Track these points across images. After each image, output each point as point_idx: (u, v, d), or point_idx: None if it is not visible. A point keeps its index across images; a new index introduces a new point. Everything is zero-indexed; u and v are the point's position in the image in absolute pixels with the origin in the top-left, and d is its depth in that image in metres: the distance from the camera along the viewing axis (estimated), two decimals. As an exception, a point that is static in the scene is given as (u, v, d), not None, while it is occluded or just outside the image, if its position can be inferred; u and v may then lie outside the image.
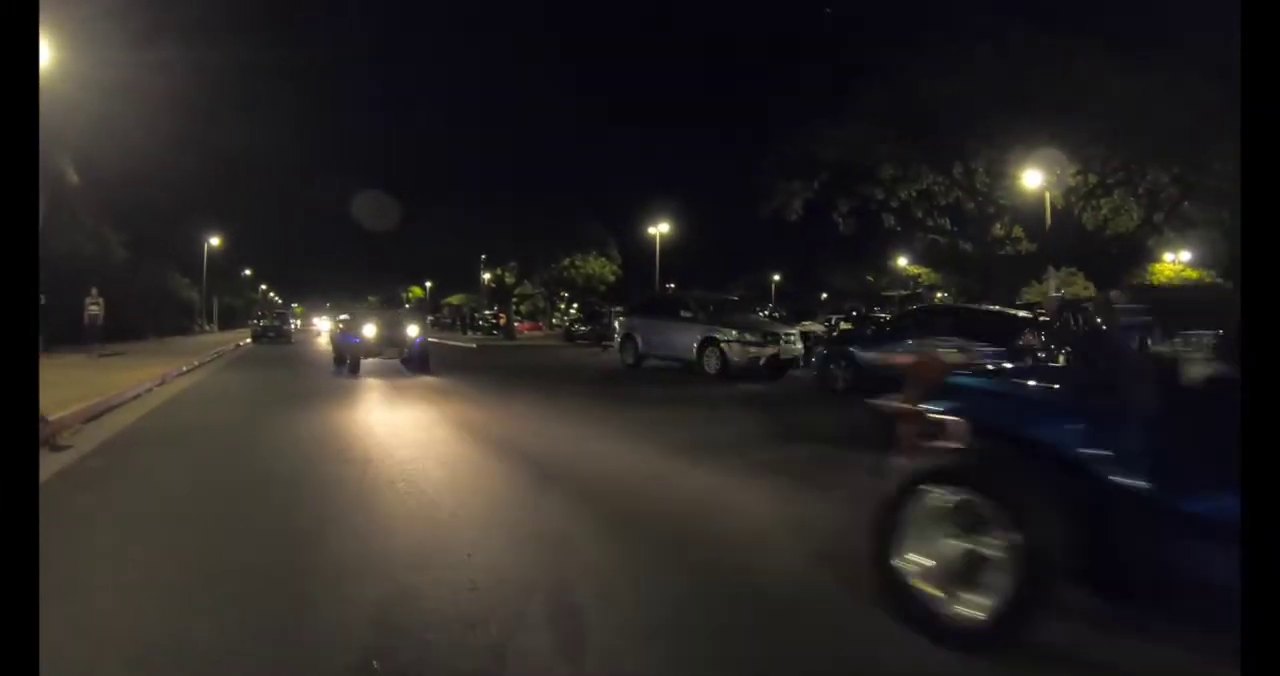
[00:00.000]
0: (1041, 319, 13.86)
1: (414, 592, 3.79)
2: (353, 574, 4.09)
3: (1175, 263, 53.62)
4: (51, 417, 8.25)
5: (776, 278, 75.92)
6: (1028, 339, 12.49)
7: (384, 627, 3.36)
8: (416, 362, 18.54)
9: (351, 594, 3.79)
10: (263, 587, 3.90)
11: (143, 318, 35.76)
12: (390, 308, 28.03)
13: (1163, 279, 53.62)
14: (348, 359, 17.93)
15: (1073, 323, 15.46)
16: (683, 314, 19.08)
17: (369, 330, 17.86)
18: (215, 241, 54.47)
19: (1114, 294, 11.63)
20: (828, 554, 4.52)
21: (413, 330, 18.54)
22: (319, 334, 49.58)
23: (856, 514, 4.01)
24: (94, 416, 9.89)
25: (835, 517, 5.30)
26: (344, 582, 3.96)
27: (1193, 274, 54.08)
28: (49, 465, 6.71)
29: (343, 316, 22.99)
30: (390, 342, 18.15)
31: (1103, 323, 15.41)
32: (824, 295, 72.23)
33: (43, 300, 15.72)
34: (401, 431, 9.44)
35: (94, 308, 21.72)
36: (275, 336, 39.25)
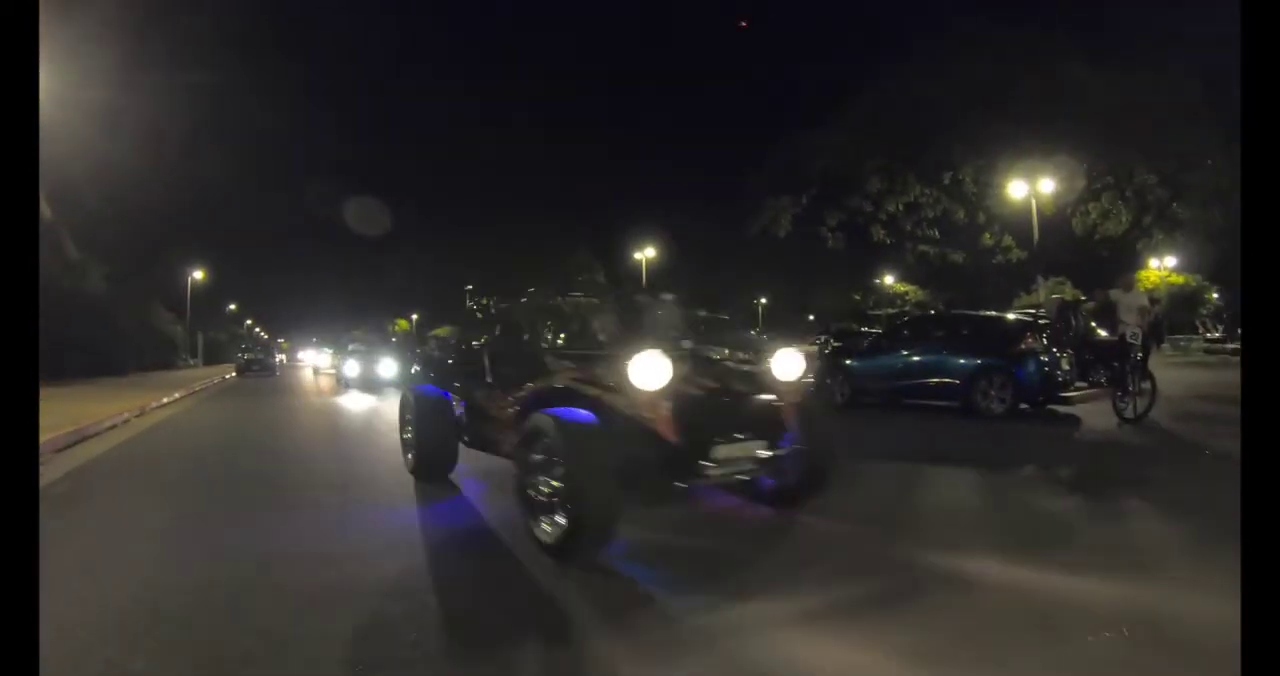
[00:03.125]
0: (1042, 321, 13.63)
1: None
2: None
3: (1161, 268, 53.77)
4: None
5: (763, 300, 75.93)
6: (1029, 342, 12.22)
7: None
8: (805, 480, 5.35)
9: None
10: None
11: (124, 352, 35.33)
12: (659, 303, 7.79)
13: (1149, 285, 53.82)
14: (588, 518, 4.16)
15: (1073, 322, 15.32)
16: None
17: (662, 374, 4.56)
18: (199, 275, 53.99)
19: (1113, 292, 11.49)
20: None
21: (791, 369, 5.39)
22: (306, 368, 49.10)
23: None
24: None
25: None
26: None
27: (1178, 279, 54.28)
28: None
29: (385, 339, 19.91)
30: (743, 423, 4.98)
31: (1098, 322, 15.40)
32: (811, 316, 72.22)
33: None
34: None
35: None
36: (260, 370, 39.17)
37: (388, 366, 24.59)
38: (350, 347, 29.52)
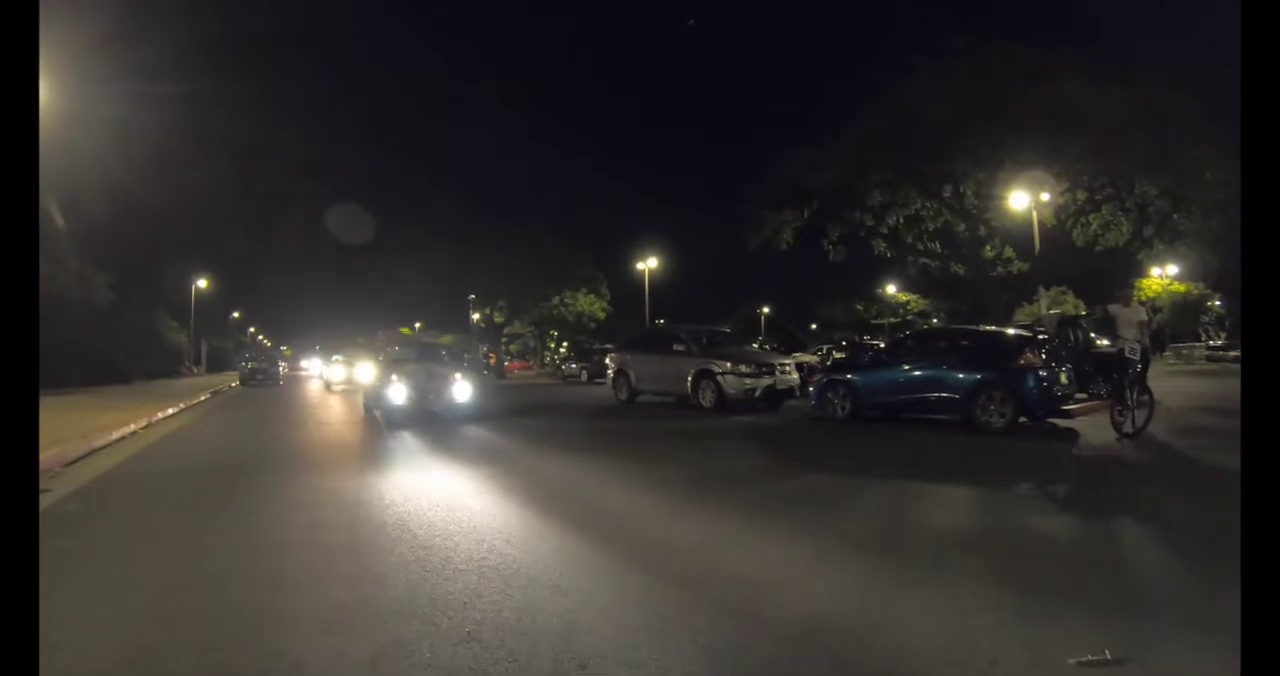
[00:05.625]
0: (1041, 336, 13.70)
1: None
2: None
3: (1163, 277, 53.97)
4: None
5: (765, 310, 76.15)
6: (1028, 357, 12.28)
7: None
8: None
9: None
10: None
11: (129, 361, 35.44)
12: None
13: (1150, 294, 53.93)
14: None
15: (1071, 337, 15.39)
16: (675, 347, 18.60)
17: None
18: (203, 284, 54.11)
19: (1111, 307, 11.59)
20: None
21: None
22: (311, 378, 49.13)
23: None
24: None
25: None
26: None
27: (1180, 287, 54.53)
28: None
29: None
30: None
31: (1099, 332, 15.69)
32: (814, 326, 72.35)
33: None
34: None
35: None
36: (264, 379, 39.08)
37: (462, 390, 15.50)
38: (396, 353, 18.72)
